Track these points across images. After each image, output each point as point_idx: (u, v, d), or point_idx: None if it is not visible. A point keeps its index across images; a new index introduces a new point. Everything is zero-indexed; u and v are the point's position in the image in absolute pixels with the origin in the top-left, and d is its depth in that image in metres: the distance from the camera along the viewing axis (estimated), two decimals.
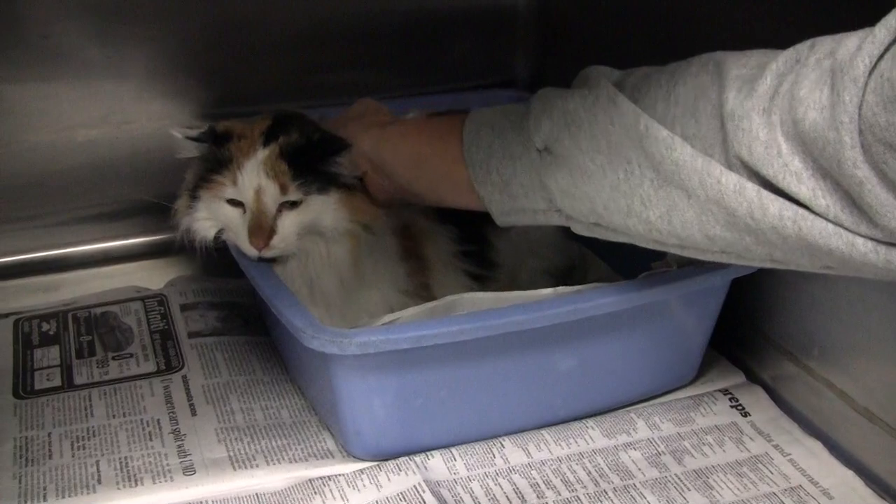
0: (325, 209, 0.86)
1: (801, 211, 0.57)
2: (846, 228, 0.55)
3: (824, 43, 0.58)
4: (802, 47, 0.60)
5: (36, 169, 1.11)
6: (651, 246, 0.70)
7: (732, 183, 0.60)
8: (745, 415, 0.94)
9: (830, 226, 0.56)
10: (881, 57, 0.52)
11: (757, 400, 0.96)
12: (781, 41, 0.89)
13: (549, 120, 0.73)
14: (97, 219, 1.16)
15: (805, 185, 0.56)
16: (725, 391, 0.97)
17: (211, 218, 0.89)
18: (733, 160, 0.60)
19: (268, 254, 0.86)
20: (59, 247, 1.15)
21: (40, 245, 1.15)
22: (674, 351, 0.95)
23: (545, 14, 1.28)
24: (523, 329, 0.81)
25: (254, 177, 0.85)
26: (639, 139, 0.65)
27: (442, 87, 1.25)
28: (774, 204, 0.58)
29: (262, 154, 0.86)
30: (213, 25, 1.14)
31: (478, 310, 0.82)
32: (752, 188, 0.59)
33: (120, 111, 1.13)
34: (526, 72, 1.31)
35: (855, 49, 0.53)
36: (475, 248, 0.98)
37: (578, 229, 0.75)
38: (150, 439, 0.89)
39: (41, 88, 1.10)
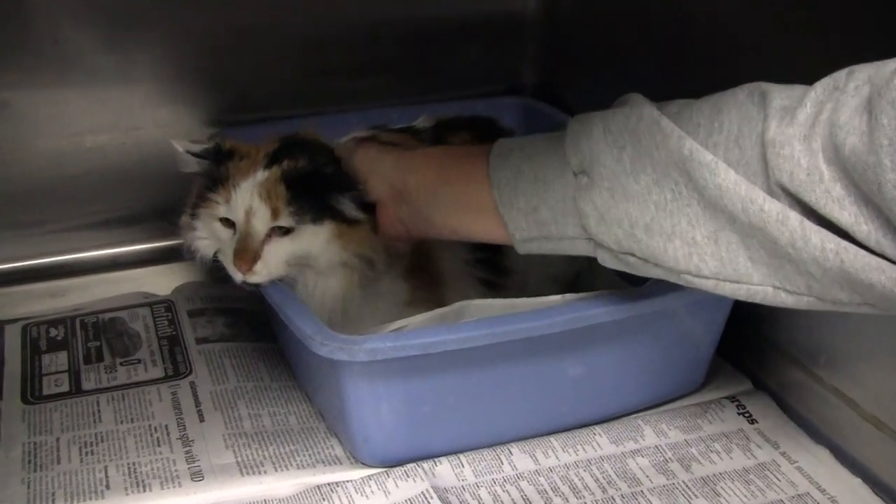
0: (316, 240, 0.85)
1: (843, 243, 0.57)
2: (888, 257, 0.55)
3: (863, 70, 0.59)
4: (840, 75, 0.60)
5: (44, 175, 1.12)
6: (682, 279, 0.68)
7: (776, 211, 0.60)
8: (753, 422, 0.94)
9: (874, 260, 0.56)
10: None
11: (764, 407, 0.96)
12: (790, 46, 0.90)
13: (587, 141, 0.71)
14: (105, 224, 1.17)
15: (847, 210, 0.56)
16: (732, 398, 0.97)
17: (208, 237, 0.88)
18: (774, 188, 0.60)
19: (251, 279, 0.84)
20: (67, 252, 1.16)
21: (49, 251, 1.15)
22: (681, 358, 0.95)
23: (552, 21, 1.28)
24: (531, 336, 0.81)
25: (247, 197, 0.84)
26: (683, 162, 0.64)
27: (449, 93, 1.25)
28: (817, 235, 0.58)
29: (260, 176, 0.85)
30: (221, 32, 1.14)
31: (486, 317, 0.82)
32: (795, 217, 0.59)
33: (128, 117, 1.14)
34: (533, 79, 1.31)
35: (891, 73, 0.53)
36: (488, 255, 0.97)
37: (606, 259, 0.73)
38: (159, 445, 0.89)
39: (50, 94, 1.10)
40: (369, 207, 0.87)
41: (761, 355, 0.99)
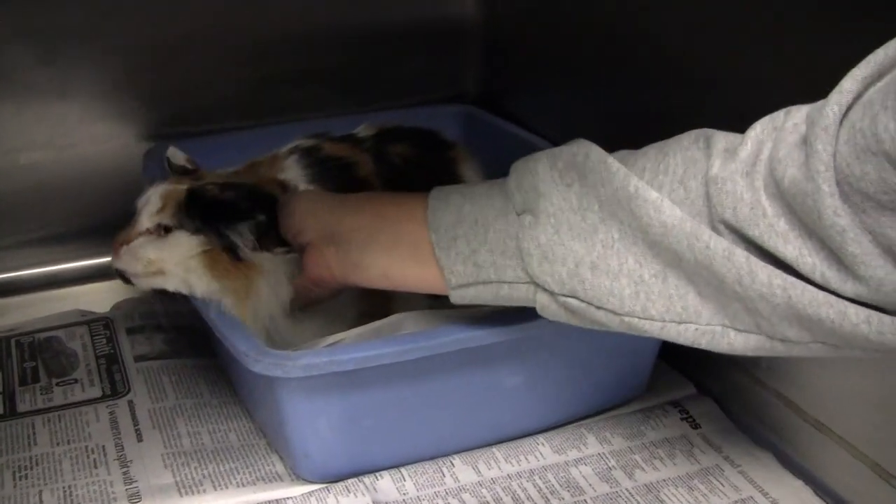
0: (184, 251, 0.84)
1: (790, 279, 0.56)
2: (834, 291, 0.54)
3: (800, 109, 0.59)
4: (778, 115, 0.60)
5: None
6: (625, 323, 0.66)
7: (721, 248, 0.59)
8: (696, 427, 0.94)
9: (821, 294, 0.55)
10: (850, 107, 0.53)
11: (707, 412, 0.96)
12: (736, 54, 0.90)
13: (533, 177, 0.69)
14: (42, 242, 1.15)
15: (791, 244, 0.56)
16: (676, 403, 0.96)
17: None
18: (718, 225, 0.60)
19: (116, 263, 0.86)
20: (2, 271, 1.14)
21: None
22: (623, 364, 0.94)
23: (492, 28, 1.28)
24: (468, 347, 0.80)
25: (151, 193, 0.86)
26: (628, 200, 0.63)
27: (391, 102, 1.24)
28: (764, 271, 0.57)
29: (174, 182, 0.87)
30: (157, 45, 1.13)
31: (423, 329, 0.81)
32: (741, 254, 0.58)
33: (64, 134, 1.12)
34: (475, 87, 1.31)
35: (824, 101, 0.53)
36: None
37: (545, 305, 0.70)
38: (95, 467, 0.87)
39: None
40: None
41: (704, 360, 0.98)
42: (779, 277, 0.56)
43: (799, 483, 0.87)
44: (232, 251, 0.84)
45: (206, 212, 0.84)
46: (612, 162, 0.65)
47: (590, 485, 0.86)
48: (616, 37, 1.06)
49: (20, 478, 0.86)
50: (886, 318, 0.53)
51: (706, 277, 0.61)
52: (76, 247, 1.14)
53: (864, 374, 0.83)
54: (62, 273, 1.16)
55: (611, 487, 0.86)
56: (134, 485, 0.85)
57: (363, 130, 1.02)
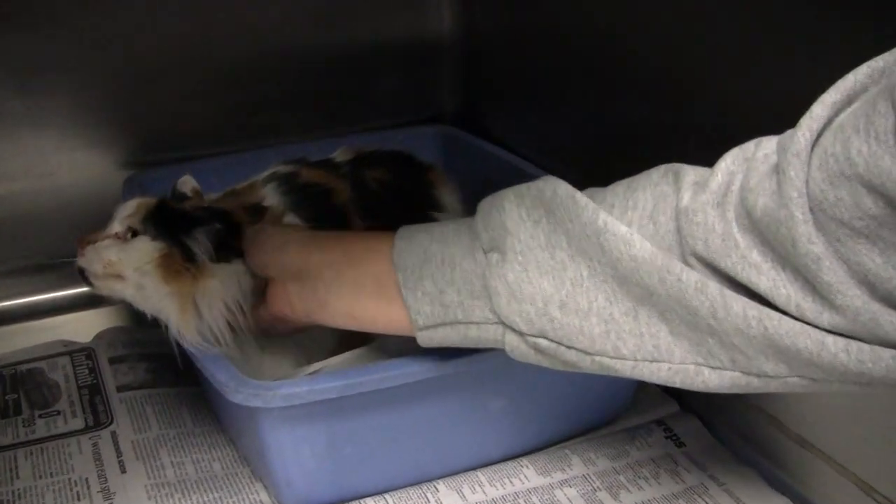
0: (143, 255, 0.85)
1: (765, 310, 0.55)
2: (810, 322, 0.54)
3: (770, 140, 0.58)
4: (749, 146, 0.60)
5: None
6: (596, 363, 0.65)
7: (694, 280, 0.58)
8: (680, 445, 0.94)
9: (798, 324, 0.54)
10: (821, 133, 0.52)
11: (691, 430, 0.96)
12: (707, 71, 0.90)
13: (500, 214, 0.67)
14: (22, 272, 1.14)
15: (765, 276, 0.55)
16: (660, 422, 0.96)
17: None
18: (690, 258, 0.59)
19: (80, 261, 0.86)
20: None
21: None
22: (606, 384, 0.94)
23: (470, 48, 1.28)
24: (450, 372, 0.80)
25: (131, 201, 0.88)
26: (597, 235, 0.62)
27: (368, 124, 1.24)
28: (738, 303, 0.56)
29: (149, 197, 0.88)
30: (133, 73, 1.13)
31: (403, 355, 0.81)
32: (714, 286, 0.57)
33: (42, 163, 1.12)
34: (452, 107, 1.31)
35: (794, 129, 0.53)
36: None
37: (514, 345, 0.68)
38: (79, 499, 0.87)
39: None
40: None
41: None
42: (754, 309, 0.55)
43: (784, 500, 0.87)
44: (188, 258, 0.84)
45: (168, 220, 0.85)
46: (581, 197, 0.64)
47: None
48: (595, 55, 1.07)
49: None
50: (866, 347, 0.52)
51: (679, 312, 0.59)
52: (57, 276, 1.14)
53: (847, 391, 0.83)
54: (43, 303, 1.15)
55: None
56: None
57: (340, 155, 1.02)
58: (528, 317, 0.66)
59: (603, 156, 1.07)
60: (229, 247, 0.85)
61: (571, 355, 0.66)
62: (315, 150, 1.04)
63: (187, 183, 0.92)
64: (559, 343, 0.65)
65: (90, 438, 0.95)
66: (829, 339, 0.53)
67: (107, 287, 0.87)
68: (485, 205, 0.70)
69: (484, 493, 0.87)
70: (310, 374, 0.82)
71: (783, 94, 0.81)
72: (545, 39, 1.15)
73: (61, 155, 1.12)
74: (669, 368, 0.62)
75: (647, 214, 0.62)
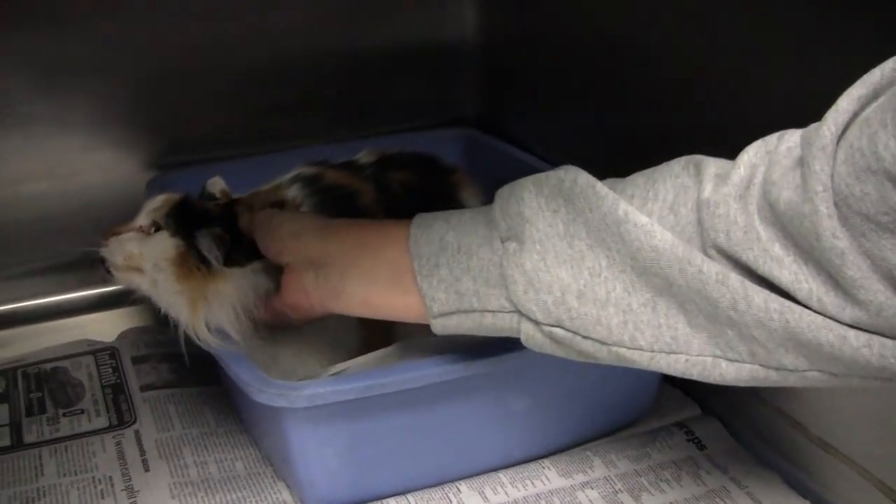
0: (160, 249, 0.86)
1: (787, 303, 0.55)
2: (832, 317, 0.54)
3: (794, 133, 0.58)
4: (772, 138, 0.60)
5: None
6: (612, 353, 0.64)
7: (715, 272, 0.58)
8: (702, 448, 0.94)
9: (819, 318, 0.54)
10: (847, 126, 0.52)
11: (713, 432, 0.96)
12: (728, 74, 0.90)
13: (518, 203, 0.67)
14: (47, 272, 1.15)
15: (787, 269, 0.55)
16: (681, 424, 0.96)
17: None
18: (710, 250, 0.59)
19: (103, 251, 0.87)
20: (7, 302, 1.14)
21: None
22: (628, 386, 0.94)
23: (491, 51, 1.28)
24: (473, 374, 0.80)
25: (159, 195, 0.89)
26: (617, 224, 0.62)
27: (390, 127, 1.25)
28: (759, 295, 0.56)
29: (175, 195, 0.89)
30: (157, 75, 1.13)
31: (427, 356, 0.81)
32: (735, 278, 0.57)
33: (67, 163, 1.13)
34: (473, 110, 1.31)
35: (819, 122, 0.53)
36: None
37: (530, 335, 0.68)
38: (102, 497, 0.87)
39: None
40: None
41: None
42: (775, 301, 0.55)
43: (805, 503, 0.87)
44: (201, 259, 0.85)
45: (186, 216, 0.86)
46: (601, 187, 0.64)
47: None
48: (616, 58, 1.07)
49: None
50: (889, 342, 0.52)
51: (698, 304, 0.59)
52: (81, 276, 1.15)
53: (868, 393, 0.83)
54: (67, 303, 1.16)
55: None
56: None
57: (364, 157, 1.02)
58: (544, 306, 0.66)
59: (623, 158, 1.06)
60: (241, 249, 0.85)
61: (588, 345, 0.65)
62: (339, 152, 1.05)
63: (216, 184, 0.92)
64: (575, 333, 0.65)
65: (114, 437, 0.95)
66: (852, 333, 0.53)
67: (126, 279, 0.88)
68: (503, 193, 0.70)
69: (506, 493, 0.87)
70: (333, 374, 0.82)
71: (794, 95, 0.81)
72: (565, 43, 1.16)
73: (86, 156, 1.13)
74: (687, 360, 0.62)
75: (667, 206, 0.62)
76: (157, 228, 0.87)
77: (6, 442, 0.95)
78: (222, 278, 0.85)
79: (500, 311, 0.69)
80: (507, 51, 1.27)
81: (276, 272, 0.85)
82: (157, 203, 0.89)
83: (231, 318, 0.84)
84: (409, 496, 0.86)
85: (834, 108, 0.53)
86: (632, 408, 0.96)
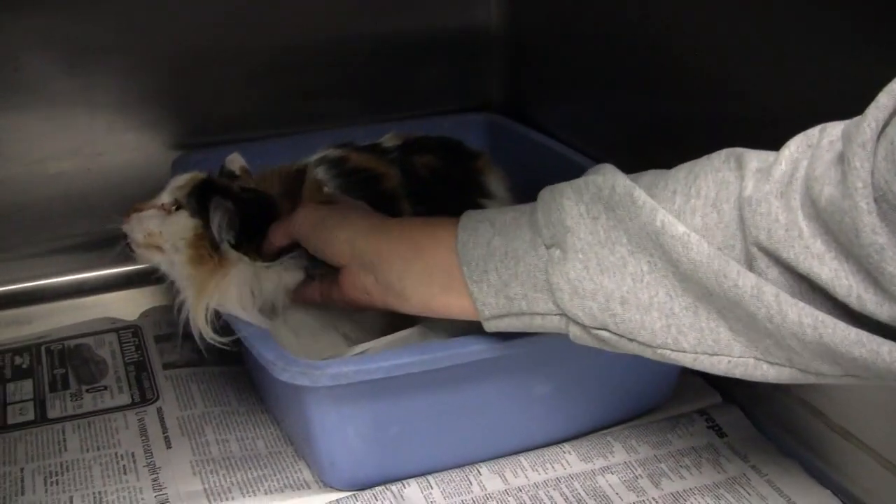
0: (179, 230, 0.86)
1: (821, 317, 0.55)
2: (870, 314, 0.54)
3: (835, 126, 0.58)
4: (813, 132, 0.59)
5: (7, 201, 1.11)
6: (658, 354, 0.66)
7: (750, 286, 0.58)
8: (722, 435, 0.94)
9: (853, 333, 0.54)
10: (888, 123, 0.52)
11: (733, 420, 0.96)
12: (752, 62, 0.90)
13: (559, 212, 0.68)
14: (70, 250, 1.16)
15: (827, 266, 0.55)
16: (702, 412, 0.96)
17: None
18: (752, 248, 0.59)
19: (125, 228, 0.88)
20: (32, 279, 1.15)
21: (13, 278, 1.14)
22: (649, 372, 0.94)
23: (517, 36, 1.28)
24: (497, 356, 0.80)
25: (185, 174, 0.89)
26: (656, 235, 0.63)
27: (415, 111, 1.25)
28: (794, 309, 0.56)
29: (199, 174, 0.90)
30: (183, 56, 1.14)
31: (450, 337, 0.81)
32: (770, 292, 0.57)
33: (91, 143, 1.13)
34: (500, 95, 1.31)
35: (861, 117, 0.53)
36: None
37: (578, 335, 0.70)
38: (125, 473, 0.88)
39: (11, 121, 1.10)
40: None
41: None
42: (809, 317, 0.56)
43: (826, 492, 0.87)
44: (214, 245, 0.85)
45: (207, 197, 0.86)
46: (638, 195, 0.64)
47: (616, 493, 0.86)
48: (641, 45, 1.07)
49: (51, 483, 0.87)
50: None
51: (737, 313, 0.60)
52: (105, 254, 1.14)
53: None
54: (91, 281, 1.17)
55: (637, 496, 0.86)
56: (163, 491, 0.86)
57: (389, 140, 1.02)
58: (590, 312, 0.67)
59: (646, 146, 1.07)
60: (252, 232, 0.85)
61: (634, 346, 0.67)
62: (362, 135, 1.05)
63: (235, 161, 0.93)
64: (621, 336, 0.66)
65: (136, 414, 0.96)
66: (885, 347, 0.53)
67: (146, 256, 0.89)
68: (545, 197, 0.71)
69: (526, 477, 0.87)
70: (356, 354, 0.82)
71: (833, 86, 0.81)
72: (591, 29, 1.15)
73: (111, 136, 1.14)
74: (729, 362, 0.62)
75: (710, 202, 0.62)
76: (178, 207, 0.87)
77: (30, 417, 0.96)
78: (231, 268, 0.85)
79: (548, 314, 0.70)
80: (533, 37, 1.27)
81: (303, 264, 0.86)
82: (181, 182, 0.89)
83: (236, 310, 0.84)
84: (430, 477, 0.86)
85: (874, 104, 0.53)
86: (653, 394, 0.96)
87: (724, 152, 0.64)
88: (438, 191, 0.96)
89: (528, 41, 1.27)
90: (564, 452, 0.90)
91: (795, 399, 0.91)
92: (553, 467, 0.89)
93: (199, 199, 0.86)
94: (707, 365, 0.64)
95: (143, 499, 0.85)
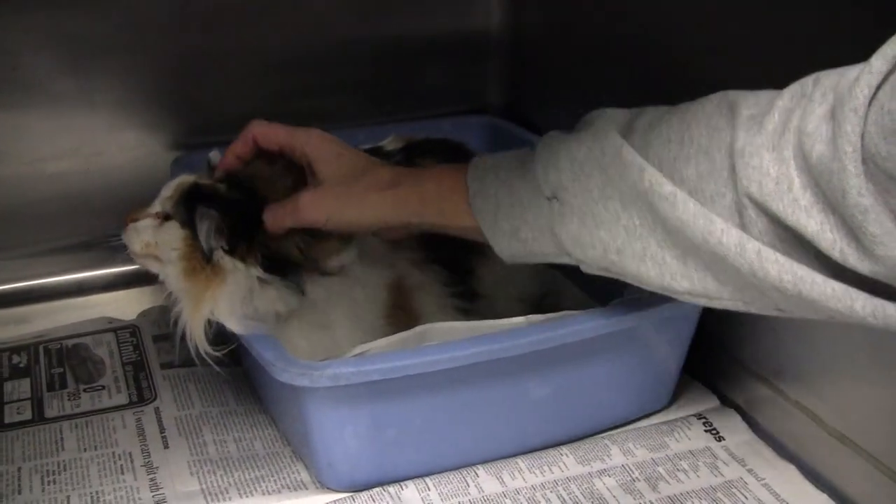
0: (171, 242, 0.86)
1: (799, 273, 0.58)
2: (852, 267, 0.55)
3: (829, 76, 0.59)
4: (807, 81, 0.60)
5: (6, 201, 1.11)
6: (659, 293, 0.71)
7: (734, 243, 0.61)
8: (719, 439, 0.94)
9: (829, 288, 0.57)
10: (879, 87, 0.53)
11: (731, 424, 0.96)
12: (756, 68, 0.90)
13: (556, 170, 0.73)
14: (69, 250, 1.16)
15: (814, 219, 0.57)
16: (699, 416, 0.97)
17: None
18: (743, 198, 0.61)
19: (124, 235, 0.88)
20: (30, 278, 1.15)
21: (11, 277, 1.14)
22: (647, 376, 0.95)
23: (517, 40, 1.28)
24: (495, 358, 0.80)
25: (175, 179, 0.89)
26: (644, 194, 0.66)
27: (415, 113, 1.25)
28: (774, 266, 0.59)
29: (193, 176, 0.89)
30: (183, 56, 1.14)
31: (449, 339, 0.82)
32: (752, 249, 0.60)
33: (91, 143, 1.14)
34: (499, 98, 1.31)
35: (853, 81, 0.54)
36: (463, 287, 0.97)
37: (589, 270, 0.76)
38: (122, 473, 0.88)
39: (11, 120, 1.10)
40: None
41: (728, 372, 0.99)
42: (788, 273, 0.59)
43: (823, 496, 0.87)
44: (206, 257, 0.84)
45: (194, 204, 0.85)
46: (627, 152, 0.68)
47: (613, 496, 0.86)
48: (640, 49, 1.07)
49: (48, 482, 0.87)
50: (891, 310, 0.55)
51: (722, 266, 0.63)
52: (103, 254, 1.15)
53: (887, 386, 0.83)
54: (89, 280, 1.17)
55: (634, 499, 0.86)
56: (160, 491, 0.86)
57: (391, 143, 1.02)
58: (592, 258, 0.73)
59: None
60: (244, 231, 0.84)
61: (635, 283, 0.72)
62: (363, 136, 1.05)
63: (217, 157, 0.93)
64: (623, 276, 0.73)
65: (134, 414, 0.96)
66: (859, 303, 0.56)
67: (146, 265, 0.89)
68: (542, 154, 0.75)
69: (523, 479, 0.88)
70: (355, 355, 0.82)
71: None
72: (592, 32, 1.16)
73: (111, 135, 1.14)
74: (721, 302, 0.67)
75: (702, 150, 0.64)
76: (168, 217, 0.87)
77: (28, 416, 0.96)
78: (226, 278, 0.84)
79: (557, 254, 0.76)
80: (534, 41, 1.27)
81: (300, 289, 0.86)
82: (169, 191, 0.88)
83: (229, 322, 0.84)
84: (428, 479, 0.86)
85: (867, 67, 0.53)
86: (651, 398, 0.97)
87: (716, 97, 0.67)
88: None
89: (528, 44, 1.27)
90: (562, 455, 0.90)
91: (792, 402, 0.91)
92: (550, 470, 0.89)
93: (187, 208, 0.86)
94: (703, 302, 0.69)
95: (140, 499, 0.85)
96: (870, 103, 0.53)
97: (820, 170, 0.56)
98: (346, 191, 0.83)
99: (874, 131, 0.52)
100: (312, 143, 0.86)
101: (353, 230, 0.85)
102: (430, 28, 1.25)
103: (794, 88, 0.61)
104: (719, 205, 0.63)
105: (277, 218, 0.84)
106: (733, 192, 0.62)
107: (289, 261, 0.85)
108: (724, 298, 0.67)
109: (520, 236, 0.77)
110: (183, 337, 0.86)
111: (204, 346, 0.85)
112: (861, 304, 0.56)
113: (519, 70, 1.29)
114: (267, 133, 0.88)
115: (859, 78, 0.53)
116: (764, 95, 0.64)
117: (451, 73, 1.29)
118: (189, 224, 0.85)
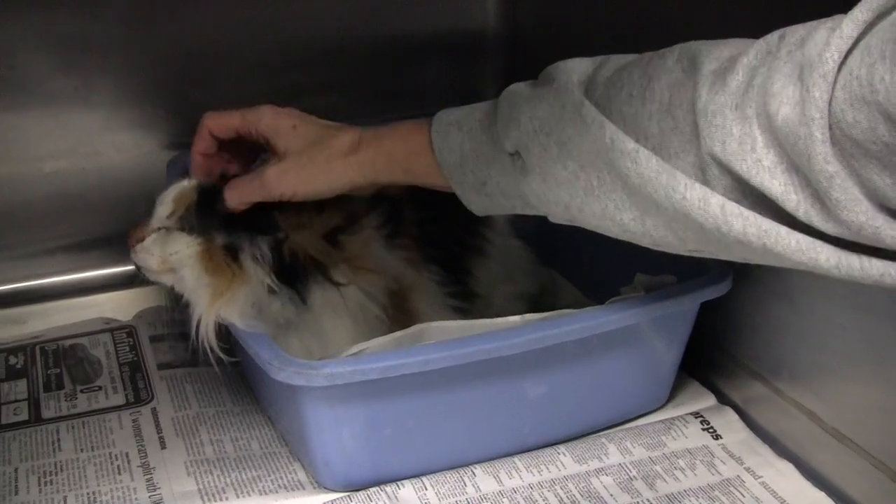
0: (183, 249, 0.86)
1: (763, 226, 0.57)
2: (817, 227, 0.55)
3: (795, 32, 0.58)
4: (772, 38, 0.59)
5: (2, 200, 1.11)
6: (625, 239, 0.70)
7: (696, 198, 0.60)
8: (717, 437, 0.94)
9: (793, 241, 0.56)
10: (849, 52, 0.52)
11: (728, 422, 0.96)
12: None
13: (516, 128, 0.72)
14: (65, 250, 1.16)
15: (777, 179, 0.56)
16: (696, 414, 0.96)
17: None
18: (706, 157, 0.60)
19: (133, 256, 0.88)
20: (26, 279, 1.15)
21: (7, 277, 1.14)
22: (644, 375, 0.95)
23: (514, 38, 1.28)
24: (491, 357, 0.80)
25: (168, 194, 0.88)
26: (605, 151, 0.65)
27: (412, 112, 1.24)
28: (738, 220, 0.58)
29: (188, 183, 0.89)
30: (180, 55, 1.14)
31: (446, 339, 0.82)
32: (715, 203, 0.59)
33: (87, 142, 1.13)
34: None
35: (823, 44, 0.53)
36: (459, 287, 0.97)
37: (555, 220, 0.75)
38: (119, 473, 0.88)
39: (7, 120, 1.09)
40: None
41: (725, 370, 0.99)
42: (753, 226, 0.58)
43: (821, 494, 0.87)
44: (230, 251, 0.85)
45: (209, 216, 0.85)
46: (588, 110, 0.67)
47: (611, 495, 0.86)
48: (639, 48, 1.06)
49: (45, 483, 0.87)
50: (855, 262, 0.55)
51: (685, 224, 0.62)
52: (100, 255, 1.15)
53: (884, 385, 0.83)
54: (86, 281, 1.17)
55: (632, 498, 0.86)
56: (157, 492, 0.86)
57: None
58: (555, 213, 0.74)
59: None
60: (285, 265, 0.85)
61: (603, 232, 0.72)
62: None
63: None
64: (587, 227, 0.72)
65: (131, 414, 0.96)
66: (823, 256, 0.56)
67: (161, 279, 0.89)
68: (503, 111, 0.75)
69: (521, 478, 0.87)
70: (351, 354, 0.82)
71: None
72: (588, 32, 1.15)
73: (107, 135, 1.14)
74: (687, 252, 0.67)
75: (664, 108, 0.63)
76: (171, 229, 0.87)
77: (24, 416, 0.96)
78: (246, 276, 0.85)
79: (524, 206, 0.77)
80: (530, 39, 1.27)
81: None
82: (170, 206, 0.88)
83: (246, 317, 0.84)
84: (425, 478, 0.86)
85: (838, 32, 0.52)
86: (648, 396, 0.97)
87: (677, 49, 0.66)
88: (442, 195, 0.96)
89: (525, 44, 1.27)
90: (559, 454, 0.90)
91: (790, 401, 0.92)
92: (548, 469, 0.89)
93: (198, 215, 0.86)
94: (670, 251, 0.68)
95: (137, 499, 0.85)
96: (839, 69, 0.52)
97: (785, 132, 0.55)
98: (310, 161, 0.82)
99: (842, 97, 0.52)
100: (265, 121, 0.85)
101: (323, 198, 0.84)
102: (428, 27, 1.25)
103: (759, 45, 0.60)
104: (683, 161, 0.62)
105: (243, 193, 0.83)
106: (696, 150, 0.61)
107: (303, 268, 0.86)
108: (688, 248, 0.66)
109: (486, 190, 0.77)
110: (183, 336, 0.86)
111: (212, 340, 0.85)
112: (826, 256, 0.56)
113: (516, 68, 1.29)
114: (219, 122, 0.87)
115: (829, 42, 0.52)
116: (727, 48, 0.62)
117: (449, 72, 1.28)
118: (203, 231, 0.85)
